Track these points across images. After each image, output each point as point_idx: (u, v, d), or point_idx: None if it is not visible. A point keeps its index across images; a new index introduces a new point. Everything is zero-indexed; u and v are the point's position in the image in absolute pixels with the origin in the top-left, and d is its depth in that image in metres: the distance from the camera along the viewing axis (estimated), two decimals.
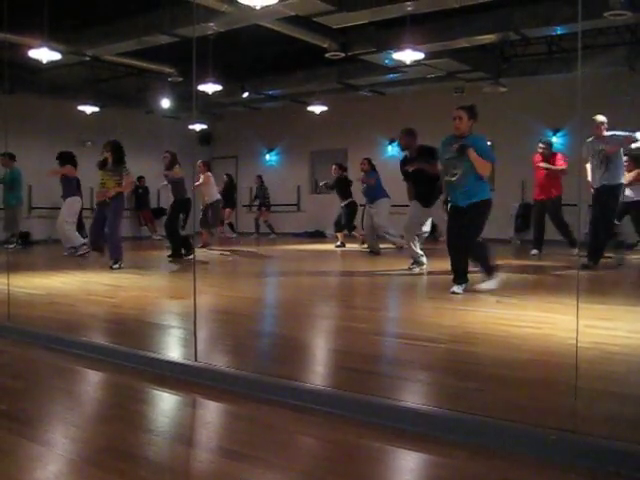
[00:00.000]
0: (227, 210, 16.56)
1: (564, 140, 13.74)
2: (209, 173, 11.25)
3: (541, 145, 10.12)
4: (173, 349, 3.92)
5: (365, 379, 3.09)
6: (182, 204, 9.87)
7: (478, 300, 5.61)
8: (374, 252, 10.44)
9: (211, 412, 2.80)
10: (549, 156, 9.97)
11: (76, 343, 3.78)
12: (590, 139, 7.92)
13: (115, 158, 8.39)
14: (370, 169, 10.72)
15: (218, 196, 11.74)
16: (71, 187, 10.65)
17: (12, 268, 7.96)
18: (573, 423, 2.25)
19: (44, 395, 3.00)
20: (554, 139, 13.85)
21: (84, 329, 4.51)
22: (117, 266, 8.11)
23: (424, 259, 7.79)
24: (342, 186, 12.29)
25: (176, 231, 9.72)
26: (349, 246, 12.24)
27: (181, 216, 9.99)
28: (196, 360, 3.19)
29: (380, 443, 2.31)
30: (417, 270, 7.71)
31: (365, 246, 11.74)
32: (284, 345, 3.99)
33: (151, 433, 2.45)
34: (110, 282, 7.08)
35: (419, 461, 2.22)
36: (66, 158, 10.68)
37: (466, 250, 5.81)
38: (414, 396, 2.86)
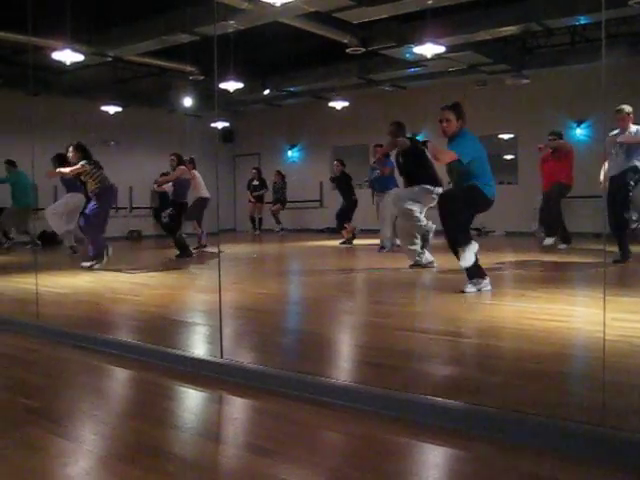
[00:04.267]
0: (257, 205, 16.62)
1: (588, 131, 13.60)
2: (195, 171, 10.99)
3: (550, 137, 9.98)
4: (199, 346, 3.95)
5: (390, 374, 3.09)
6: (181, 206, 9.87)
7: (502, 294, 5.57)
8: (384, 247, 10.21)
9: (237, 408, 2.82)
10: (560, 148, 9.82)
11: (103, 341, 3.83)
12: (614, 132, 7.57)
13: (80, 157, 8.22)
14: (385, 158, 10.54)
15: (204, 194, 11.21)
16: (72, 185, 10.47)
17: (39, 268, 8.09)
18: (601, 417, 2.23)
19: (73, 392, 3.05)
20: (578, 130, 13.72)
21: (111, 327, 4.57)
22: (92, 264, 7.90)
23: (425, 258, 7.49)
24: (343, 183, 12.32)
25: (176, 231, 9.71)
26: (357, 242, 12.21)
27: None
28: (222, 357, 3.21)
29: (406, 438, 2.31)
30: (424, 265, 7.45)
31: (342, 241, 11.99)
32: (309, 341, 4.00)
33: (178, 429, 2.48)
34: (135, 280, 7.15)
35: (445, 456, 2.21)
36: (62, 160, 10.51)
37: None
38: (439, 391, 2.85)
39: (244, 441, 2.38)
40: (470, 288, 5.41)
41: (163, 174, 12.05)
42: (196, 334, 4.37)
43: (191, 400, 2.94)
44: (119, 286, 6.75)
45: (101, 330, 4.26)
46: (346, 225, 12.35)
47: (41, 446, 2.29)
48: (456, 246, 5.41)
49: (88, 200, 8.42)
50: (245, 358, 3.46)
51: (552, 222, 9.82)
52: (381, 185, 10.36)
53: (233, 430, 2.54)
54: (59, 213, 10.59)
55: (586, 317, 4.32)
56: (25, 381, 3.22)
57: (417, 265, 7.48)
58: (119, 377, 3.40)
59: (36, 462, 2.16)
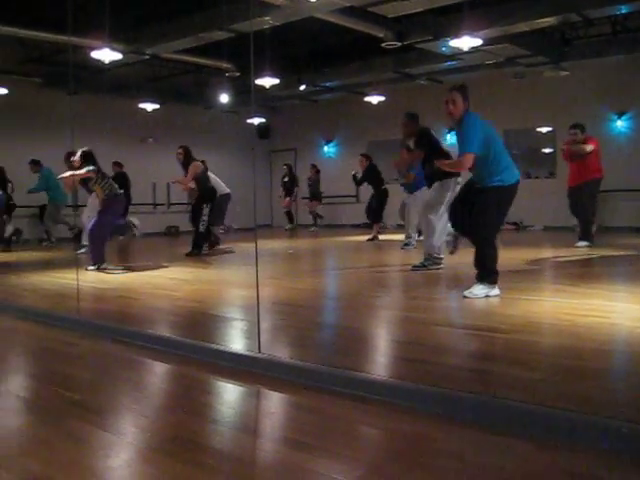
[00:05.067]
0: (287, 200, 16.64)
1: (629, 123, 13.33)
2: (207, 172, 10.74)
3: (572, 131, 9.27)
4: (237, 341, 3.98)
5: (427, 369, 3.07)
6: (208, 194, 9.59)
7: (541, 289, 5.51)
8: (408, 244, 9.91)
9: (275, 403, 2.83)
10: (582, 142, 9.10)
11: (143, 335, 3.88)
12: None
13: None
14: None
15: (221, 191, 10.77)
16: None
17: (80, 263, 8.23)
18: None
19: (114, 386, 3.10)
20: (619, 122, 13.46)
21: (150, 322, 4.63)
22: (93, 268, 7.71)
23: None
24: (372, 176, 12.11)
25: (198, 225, 9.44)
26: (384, 237, 12.12)
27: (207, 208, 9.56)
28: (259, 352, 3.23)
29: (444, 434, 2.30)
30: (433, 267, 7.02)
31: (369, 238, 11.70)
32: (346, 336, 4.00)
33: (217, 423, 2.50)
34: (174, 276, 7.22)
35: (483, 452, 2.20)
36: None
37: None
38: (477, 386, 2.82)
39: (281, 435, 2.39)
40: (475, 291, 4.98)
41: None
42: (234, 329, 4.41)
43: (229, 394, 2.97)
44: (158, 281, 6.83)
45: (140, 325, 4.32)
46: (382, 223, 12.36)
47: (83, 438, 2.34)
48: (481, 268, 4.99)
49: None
50: (282, 353, 3.47)
51: (586, 226, 9.20)
52: (411, 186, 10.23)
53: (270, 424, 2.55)
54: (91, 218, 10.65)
55: (627, 313, 4.24)
56: (66, 374, 3.29)
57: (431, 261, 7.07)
58: (158, 371, 3.44)
59: (78, 454, 2.20)
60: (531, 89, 14.07)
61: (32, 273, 7.84)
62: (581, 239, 9.15)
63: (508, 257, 7.76)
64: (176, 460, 2.11)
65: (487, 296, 4.90)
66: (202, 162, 10.05)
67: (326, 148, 18.92)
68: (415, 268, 6.97)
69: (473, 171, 5.07)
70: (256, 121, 17.06)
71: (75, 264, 7.99)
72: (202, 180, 9.60)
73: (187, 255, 9.27)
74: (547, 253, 8.65)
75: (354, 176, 12.49)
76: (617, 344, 3.62)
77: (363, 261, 8.75)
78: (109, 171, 10.64)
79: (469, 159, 4.86)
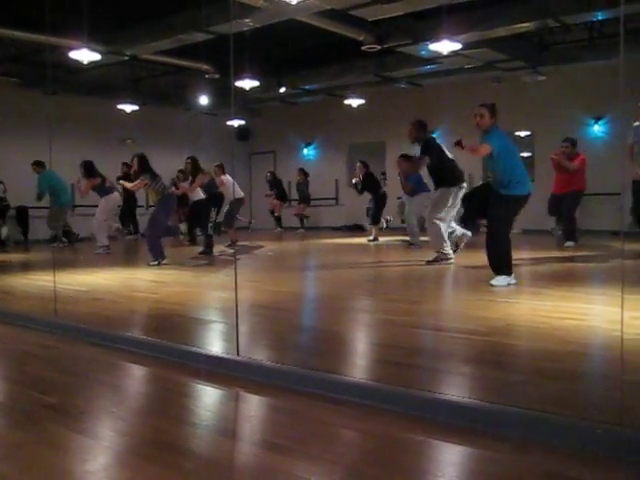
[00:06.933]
0: (276, 203, 16.65)
1: (606, 128, 13.48)
2: (224, 176, 11.04)
3: (564, 144, 9.98)
4: (215, 344, 3.97)
5: (406, 372, 3.09)
6: (215, 200, 10.27)
7: (519, 292, 5.55)
8: (414, 244, 10.43)
9: (254, 405, 2.83)
10: (572, 156, 9.85)
11: (121, 338, 3.86)
12: (637, 123, 7.68)
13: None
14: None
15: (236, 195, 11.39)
16: (103, 188, 10.86)
17: (57, 266, 8.16)
18: (620, 416, 2.22)
19: (91, 389, 3.07)
20: (595, 127, 13.61)
21: (128, 325, 4.60)
22: (154, 263, 8.26)
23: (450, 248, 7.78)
24: (370, 182, 12.35)
25: (206, 227, 10.01)
26: (382, 239, 12.23)
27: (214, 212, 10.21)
28: (238, 354, 3.23)
29: (423, 436, 2.31)
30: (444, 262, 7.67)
31: (370, 239, 12.20)
32: (325, 339, 4.00)
33: (195, 426, 2.49)
34: (152, 278, 7.18)
35: (463, 454, 2.21)
36: (88, 169, 10.78)
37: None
38: (456, 389, 2.84)
39: (260, 438, 2.39)
40: (499, 281, 5.68)
41: (180, 171, 12.12)
42: (212, 332, 4.39)
43: (208, 397, 2.96)
44: (137, 284, 6.79)
45: (118, 327, 4.29)
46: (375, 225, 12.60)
47: (60, 442, 2.32)
48: (499, 262, 5.77)
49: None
50: (261, 356, 3.47)
51: (571, 229, 9.91)
52: (410, 191, 10.62)
53: (249, 427, 2.55)
54: (107, 222, 11.05)
55: (604, 315, 4.28)
56: (43, 378, 3.25)
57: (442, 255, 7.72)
58: (136, 374, 3.42)
59: (55, 458, 2.18)
60: (509, 93, 14.18)
61: (10, 275, 7.76)
62: (567, 239, 9.80)
63: (486, 260, 7.81)
64: (154, 464, 2.10)
65: (508, 284, 5.65)
66: (219, 166, 10.92)
67: (306, 151, 18.93)
68: (429, 263, 7.71)
69: (491, 177, 6.03)
70: (236, 123, 17.02)
71: (53, 266, 7.91)
72: (207, 187, 10.29)
73: (200, 254, 9.74)
74: (525, 256, 8.70)
75: (355, 185, 12.66)
76: (593, 346, 3.66)
77: (343, 263, 8.75)
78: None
79: (486, 148, 5.79)
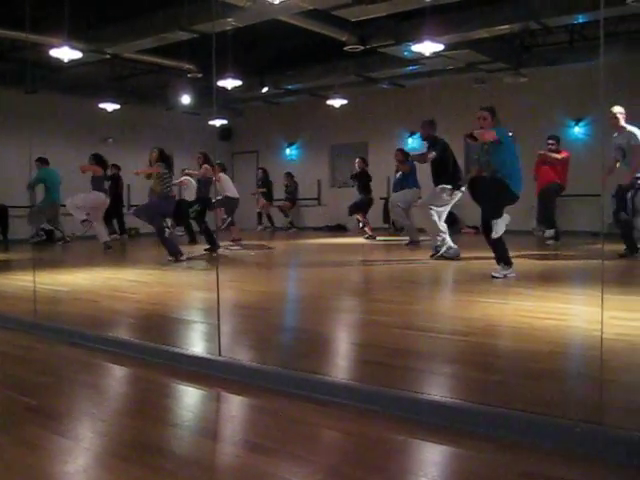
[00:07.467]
0: (264, 202, 16.70)
1: (586, 129, 13.59)
2: (222, 174, 11.32)
3: (550, 141, 10.30)
4: (197, 344, 3.95)
5: (388, 372, 3.09)
6: (206, 202, 10.46)
7: (499, 292, 5.58)
8: (414, 242, 10.59)
9: (235, 406, 2.82)
10: (556, 152, 10.16)
11: (101, 339, 3.83)
12: (615, 135, 7.82)
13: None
14: (404, 159, 10.98)
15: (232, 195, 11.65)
16: (98, 181, 11.14)
17: (37, 265, 8.08)
18: (599, 415, 2.24)
19: (71, 390, 3.05)
20: (576, 129, 13.72)
21: (109, 325, 4.56)
22: (171, 259, 8.54)
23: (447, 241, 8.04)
24: (363, 181, 12.49)
25: (206, 225, 10.28)
26: (380, 238, 12.35)
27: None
28: (220, 355, 3.22)
29: (404, 436, 2.32)
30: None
31: (367, 236, 12.28)
32: (307, 339, 4.00)
33: (176, 427, 2.48)
34: (133, 278, 7.14)
35: (444, 454, 2.22)
36: (99, 158, 11.29)
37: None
38: (438, 389, 2.85)
39: (242, 439, 2.38)
40: (498, 273, 6.08)
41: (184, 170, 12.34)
42: (194, 332, 4.37)
43: (189, 398, 2.94)
44: (116, 284, 6.74)
45: (99, 328, 4.26)
46: (365, 220, 12.84)
47: (39, 444, 2.29)
48: (490, 220, 6.09)
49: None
50: (243, 356, 3.46)
51: (550, 216, 10.24)
52: (403, 186, 10.87)
53: (231, 428, 2.54)
54: (78, 205, 11.04)
55: (584, 315, 4.32)
56: (22, 379, 3.22)
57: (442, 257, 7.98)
58: (117, 375, 3.39)
59: (34, 460, 2.16)
60: (491, 94, 14.24)
61: None
62: (548, 228, 10.13)
63: (468, 260, 7.86)
64: (134, 465, 2.08)
65: (505, 276, 6.07)
66: (219, 164, 11.28)
67: (288, 151, 18.91)
68: (435, 257, 8.05)
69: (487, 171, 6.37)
70: (218, 123, 16.94)
71: (33, 266, 7.84)
72: (206, 184, 10.49)
73: (205, 250, 9.85)
74: None
75: (355, 176, 13.07)
76: (572, 346, 3.69)
77: (327, 263, 8.75)
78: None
79: (492, 133, 6.16)
